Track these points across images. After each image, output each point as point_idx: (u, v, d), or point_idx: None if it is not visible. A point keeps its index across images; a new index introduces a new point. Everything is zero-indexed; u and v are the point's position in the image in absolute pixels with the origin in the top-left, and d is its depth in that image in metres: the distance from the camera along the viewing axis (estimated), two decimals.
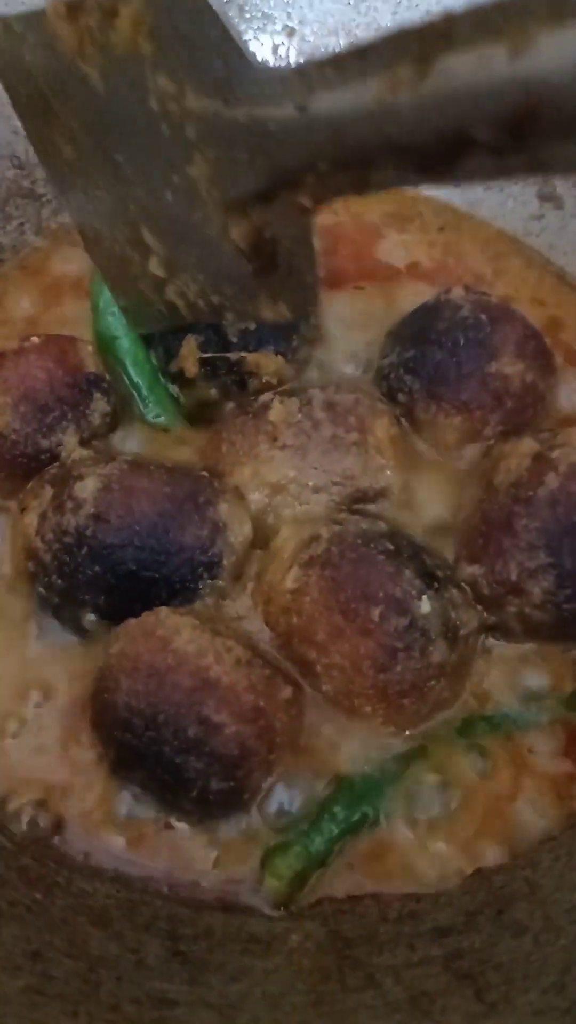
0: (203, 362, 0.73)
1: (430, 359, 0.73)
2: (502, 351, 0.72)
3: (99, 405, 0.73)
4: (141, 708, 0.58)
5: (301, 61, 0.96)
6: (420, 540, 0.67)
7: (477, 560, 0.66)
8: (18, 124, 0.88)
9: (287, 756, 0.62)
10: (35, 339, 0.73)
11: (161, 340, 0.75)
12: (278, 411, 0.70)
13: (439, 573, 0.64)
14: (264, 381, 0.74)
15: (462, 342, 0.72)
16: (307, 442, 0.69)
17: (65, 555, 0.64)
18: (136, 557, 0.63)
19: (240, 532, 0.67)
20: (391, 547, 0.63)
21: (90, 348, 0.74)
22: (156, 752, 0.58)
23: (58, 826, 0.61)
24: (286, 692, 0.61)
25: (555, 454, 0.66)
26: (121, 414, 0.75)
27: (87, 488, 0.65)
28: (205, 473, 0.69)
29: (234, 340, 0.72)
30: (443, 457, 0.74)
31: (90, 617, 0.65)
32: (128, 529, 0.64)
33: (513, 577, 0.64)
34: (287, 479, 0.69)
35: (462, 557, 0.68)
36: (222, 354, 0.73)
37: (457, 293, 0.76)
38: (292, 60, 0.96)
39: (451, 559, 0.69)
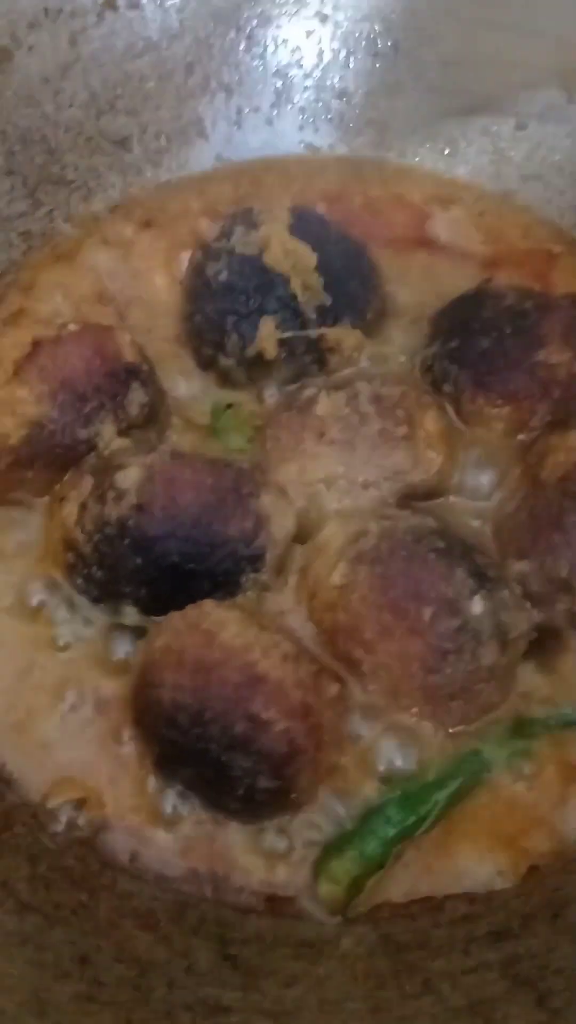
0: (281, 343, 0.71)
1: (475, 348, 0.71)
2: (549, 340, 0.70)
3: (137, 396, 0.70)
4: (187, 704, 0.56)
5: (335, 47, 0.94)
6: (470, 538, 0.65)
7: (525, 556, 0.65)
8: (48, 109, 0.87)
9: (334, 755, 0.60)
10: (72, 327, 0.71)
11: (235, 327, 0.72)
12: (325, 405, 0.67)
13: (490, 573, 0.62)
14: (347, 356, 0.72)
15: (508, 331, 0.71)
16: (355, 437, 0.67)
17: (106, 546, 0.62)
18: (179, 549, 0.62)
19: (283, 525, 0.65)
20: (442, 545, 0.61)
21: (128, 337, 0.72)
22: (202, 749, 0.56)
23: (100, 826, 0.59)
24: (333, 689, 0.60)
25: None
26: (159, 405, 0.73)
27: (129, 478, 0.63)
28: (247, 464, 0.68)
29: (312, 317, 0.71)
30: (489, 448, 0.72)
31: (130, 610, 0.64)
32: (171, 520, 0.62)
33: (563, 574, 0.62)
34: (335, 475, 0.66)
35: (509, 553, 0.66)
36: (302, 332, 0.71)
37: (499, 281, 0.75)
38: (325, 47, 0.94)
39: (496, 554, 0.67)
